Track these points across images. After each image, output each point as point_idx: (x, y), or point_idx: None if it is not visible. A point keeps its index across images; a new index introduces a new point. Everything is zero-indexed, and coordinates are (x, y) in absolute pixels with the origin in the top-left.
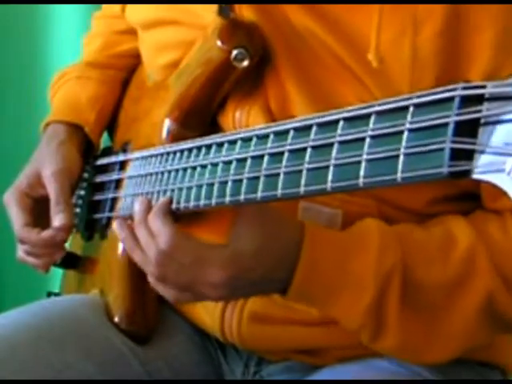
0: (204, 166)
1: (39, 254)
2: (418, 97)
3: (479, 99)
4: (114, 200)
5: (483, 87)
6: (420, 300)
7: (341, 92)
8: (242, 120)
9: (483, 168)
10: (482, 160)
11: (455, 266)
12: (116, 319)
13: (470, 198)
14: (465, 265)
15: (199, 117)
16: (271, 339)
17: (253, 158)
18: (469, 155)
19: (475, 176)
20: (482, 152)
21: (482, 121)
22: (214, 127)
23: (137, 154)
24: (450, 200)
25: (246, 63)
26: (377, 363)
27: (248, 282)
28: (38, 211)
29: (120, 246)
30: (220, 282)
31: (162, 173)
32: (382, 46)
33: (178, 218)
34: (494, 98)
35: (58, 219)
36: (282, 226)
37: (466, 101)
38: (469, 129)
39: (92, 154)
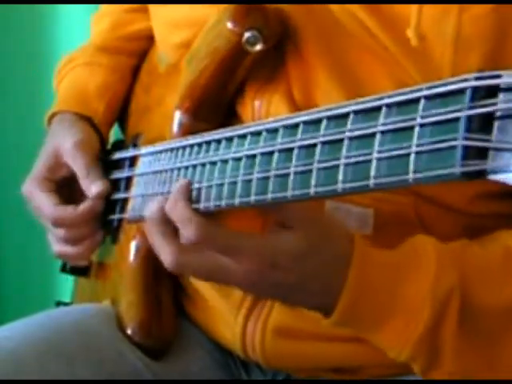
0: (214, 163)
1: (80, 235)
2: (429, 88)
3: (494, 90)
4: (125, 200)
5: (498, 77)
6: (479, 325)
7: (375, 75)
8: (263, 110)
9: (499, 167)
10: (498, 158)
11: None
12: (129, 331)
13: None
14: None
15: (213, 107)
16: (298, 356)
17: (262, 154)
18: (483, 153)
19: (491, 177)
20: (498, 149)
21: (498, 114)
22: (233, 118)
23: (145, 149)
24: (494, 197)
25: (259, 47)
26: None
27: (277, 282)
28: (62, 194)
29: (132, 250)
30: (250, 269)
31: (172, 170)
32: (423, 23)
33: None
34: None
35: (94, 187)
36: (333, 234)
37: (479, 92)
38: (483, 124)
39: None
